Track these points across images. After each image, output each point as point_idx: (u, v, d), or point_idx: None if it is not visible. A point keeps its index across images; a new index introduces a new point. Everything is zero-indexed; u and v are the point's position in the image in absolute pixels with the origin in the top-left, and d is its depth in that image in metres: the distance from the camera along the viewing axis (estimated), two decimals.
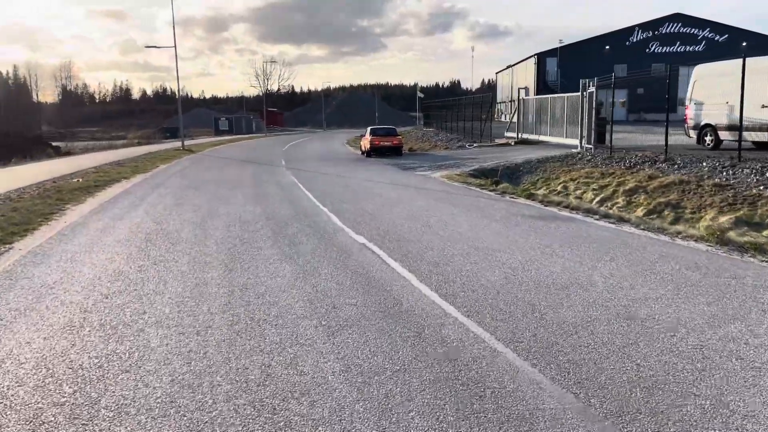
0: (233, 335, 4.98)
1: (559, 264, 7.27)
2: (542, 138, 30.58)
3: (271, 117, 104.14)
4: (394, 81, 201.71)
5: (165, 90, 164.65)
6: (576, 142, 25.63)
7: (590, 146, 23.39)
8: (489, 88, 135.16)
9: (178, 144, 41.39)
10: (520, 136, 33.51)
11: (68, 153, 42.26)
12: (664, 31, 62.71)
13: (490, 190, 15.60)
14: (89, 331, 5.10)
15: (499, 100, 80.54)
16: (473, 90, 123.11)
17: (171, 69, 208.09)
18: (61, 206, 12.61)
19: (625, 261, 7.41)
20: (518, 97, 34.39)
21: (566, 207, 12.49)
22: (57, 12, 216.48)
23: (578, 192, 17.99)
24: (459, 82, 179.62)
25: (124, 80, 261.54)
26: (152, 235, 9.39)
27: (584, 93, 24.11)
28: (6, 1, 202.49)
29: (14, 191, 14.82)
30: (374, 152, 29.55)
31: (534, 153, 25.93)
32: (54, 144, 50.10)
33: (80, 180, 17.14)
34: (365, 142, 30.80)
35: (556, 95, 28.82)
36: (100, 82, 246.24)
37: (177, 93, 43.34)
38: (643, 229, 9.90)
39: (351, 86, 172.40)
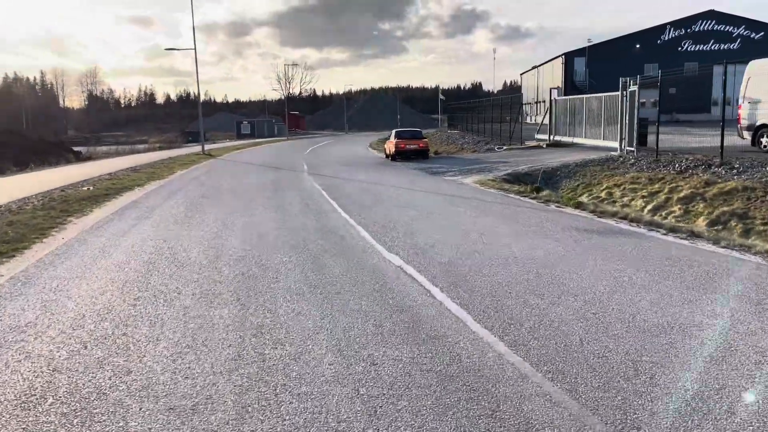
0: (240, 412, 3.69)
1: (646, 298, 5.88)
2: (576, 140, 29.04)
3: (293, 120, 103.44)
4: (415, 84, 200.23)
5: (189, 94, 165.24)
6: (615, 144, 24.08)
7: (632, 149, 21.85)
8: (511, 90, 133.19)
9: (199, 148, 40.47)
10: (552, 138, 31.97)
11: (89, 158, 41.66)
12: (697, 29, 60.56)
13: (532, 198, 14.19)
14: (50, 405, 3.83)
15: (523, 101, 78.80)
16: (495, 92, 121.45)
17: (194, 73, 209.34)
18: (63, 219, 11.48)
19: (734, 295, 6.01)
20: (550, 97, 32.84)
21: (623, 218, 11.04)
22: (85, 18, 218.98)
23: (625, 199, 16.50)
24: (480, 84, 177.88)
25: (149, 85, 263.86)
26: (156, 256, 8.18)
27: (624, 92, 22.57)
28: (35, 9, 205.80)
29: (18, 201, 13.77)
30: (399, 156, 28.29)
31: (570, 156, 24.45)
32: (75, 149, 49.67)
33: (90, 188, 16.09)
34: (390, 146, 29.55)
35: (592, 95, 27.26)
36: (126, 87, 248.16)
37: (198, 96, 42.57)
38: (724, 247, 8.44)
39: (372, 89, 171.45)
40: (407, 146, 28.41)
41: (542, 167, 22.17)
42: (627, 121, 22.29)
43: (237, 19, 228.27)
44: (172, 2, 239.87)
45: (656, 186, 16.77)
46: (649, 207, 15.03)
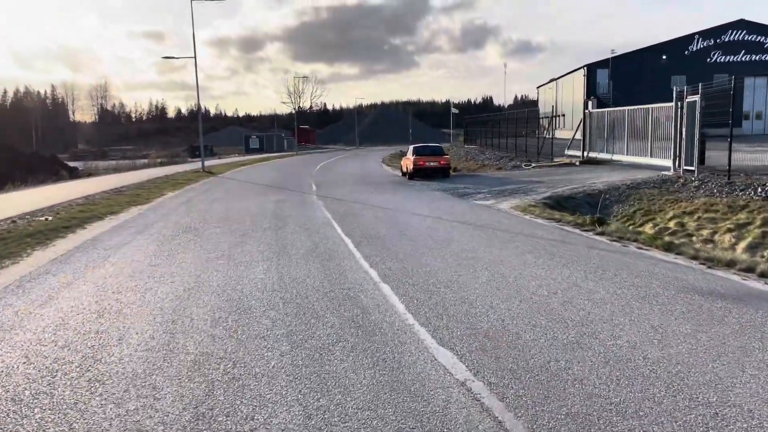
0: None
1: None
2: (615, 157, 26.03)
3: (303, 134, 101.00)
4: (425, 98, 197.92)
5: (199, 108, 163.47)
6: (666, 162, 21.07)
7: (691, 168, 18.81)
8: (523, 104, 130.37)
9: (203, 164, 37.60)
10: (585, 154, 28.99)
11: (89, 174, 39.01)
12: (726, 39, 57.53)
13: (598, 234, 11.19)
14: None
15: (540, 115, 75.58)
16: (506, 106, 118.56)
17: (206, 88, 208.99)
18: None
19: None
20: (583, 110, 29.88)
21: (746, 270, 8.01)
22: (99, 33, 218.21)
23: (705, 232, 13.43)
24: (491, 98, 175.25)
25: (160, 99, 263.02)
26: (76, 343, 5.27)
27: (680, 103, 19.57)
28: (50, 24, 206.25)
29: None
30: (418, 174, 25.38)
31: (612, 175, 21.45)
32: (73, 165, 47.12)
33: (49, 218, 13.22)
34: (407, 163, 26.65)
35: (636, 107, 24.25)
36: (137, 101, 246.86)
37: (198, 107, 39.77)
38: None
39: (383, 103, 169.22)
40: (427, 164, 25.52)
41: (585, 189, 19.18)
42: (685, 137, 19.27)
43: (249, 34, 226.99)
44: (183, 17, 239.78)
45: (742, 216, 13.70)
46: (743, 244, 11.97)
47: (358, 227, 12.05)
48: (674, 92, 19.92)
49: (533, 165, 29.20)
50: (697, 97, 18.43)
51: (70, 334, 5.63)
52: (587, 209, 17.69)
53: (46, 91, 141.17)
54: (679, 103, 19.62)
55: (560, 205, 17.41)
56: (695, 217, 14.49)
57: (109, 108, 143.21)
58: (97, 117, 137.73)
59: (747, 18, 57.84)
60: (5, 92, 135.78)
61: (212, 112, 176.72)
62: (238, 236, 11.19)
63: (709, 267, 8.32)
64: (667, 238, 10.75)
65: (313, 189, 21.88)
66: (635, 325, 5.69)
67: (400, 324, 5.80)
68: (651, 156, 22.61)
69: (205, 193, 20.96)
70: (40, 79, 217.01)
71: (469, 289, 7.10)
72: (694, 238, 13.10)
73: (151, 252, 9.72)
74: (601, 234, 11.27)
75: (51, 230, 11.71)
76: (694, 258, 8.89)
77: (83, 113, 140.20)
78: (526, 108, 56.99)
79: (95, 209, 15.19)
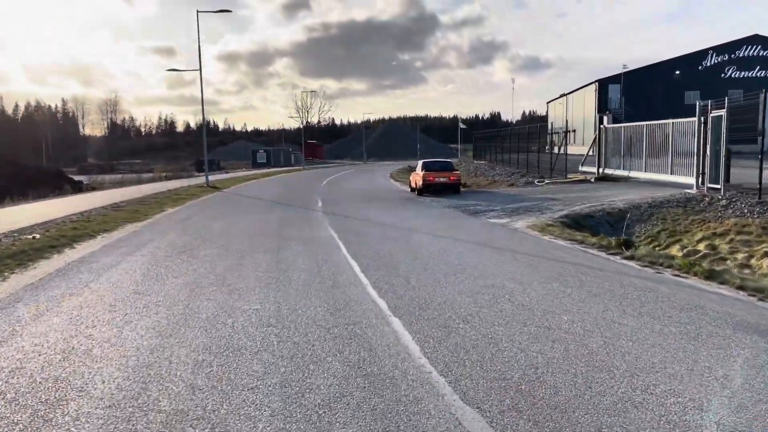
0: None
1: None
2: (633, 174, 25.10)
3: (311, 149, 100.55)
4: (433, 113, 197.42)
5: (208, 123, 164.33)
6: (688, 180, 20.14)
7: (716, 186, 17.86)
8: (531, 120, 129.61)
9: (209, 177, 36.83)
10: (601, 171, 28.07)
11: (93, 188, 38.38)
12: (741, 54, 56.69)
13: (626, 258, 10.27)
14: None
15: (549, 130, 74.70)
16: (514, 122, 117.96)
17: (214, 102, 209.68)
18: None
19: None
20: (598, 125, 29.03)
21: None
22: (111, 49, 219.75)
23: (740, 256, 12.45)
24: (499, 114, 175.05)
25: (170, 113, 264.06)
26: (27, 396, 4.42)
27: (703, 117, 18.67)
28: (64, 40, 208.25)
29: None
30: (427, 190, 24.55)
31: (630, 193, 20.51)
32: (78, 179, 46.58)
33: (36, 236, 12.39)
34: (416, 178, 25.83)
35: (655, 122, 23.36)
36: (146, 115, 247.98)
37: (203, 120, 38.99)
38: None
39: (390, 118, 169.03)
40: (437, 179, 24.68)
41: (604, 207, 18.25)
42: (709, 153, 18.34)
43: (259, 50, 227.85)
44: (194, 33, 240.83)
45: None
46: None
47: (366, 248, 11.17)
48: (697, 107, 19.02)
49: (546, 181, 28.29)
50: (722, 112, 17.53)
51: (23, 383, 4.75)
52: (607, 229, 16.77)
53: (56, 105, 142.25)
54: (702, 118, 18.72)
55: (578, 224, 16.50)
56: (727, 239, 13.52)
57: (119, 122, 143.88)
58: (107, 131, 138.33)
59: (762, 33, 57.00)
60: (16, 106, 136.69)
61: (221, 126, 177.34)
62: (236, 258, 10.32)
63: (760, 299, 7.39)
64: (705, 265, 9.79)
65: (319, 205, 21.04)
66: (695, 375, 4.77)
67: (415, 372, 4.89)
68: (671, 173, 21.69)
69: (206, 210, 20.15)
70: (52, 94, 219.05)
71: (492, 324, 6.20)
72: (728, 263, 12.15)
73: (139, 276, 8.86)
74: (630, 258, 10.35)
75: (36, 250, 10.88)
76: (741, 288, 7.95)
77: (93, 127, 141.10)
78: (534, 123, 56.17)
79: (89, 226, 14.35)
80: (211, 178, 37.39)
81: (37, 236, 12.31)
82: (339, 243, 11.89)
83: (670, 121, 21.71)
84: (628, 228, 16.15)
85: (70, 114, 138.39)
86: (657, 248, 14.01)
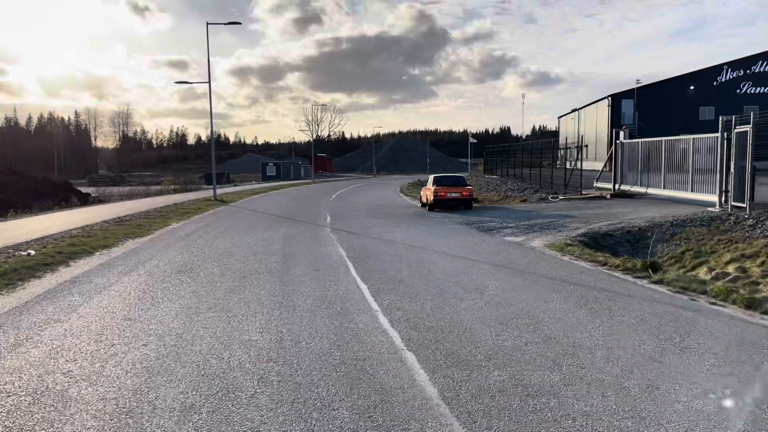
0: None
1: None
2: (651, 191, 24.33)
3: (320, 163, 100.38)
4: (443, 127, 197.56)
5: (219, 136, 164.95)
6: (710, 198, 19.36)
7: (741, 205, 17.10)
8: (541, 135, 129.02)
9: (218, 190, 36.36)
10: (617, 187, 27.32)
11: (100, 201, 38.01)
12: (757, 70, 55.79)
13: (655, 283, 9.58)
14: None
15: (560, 145, 73.94)
16: (524, 137, 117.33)
17: (226, 116, 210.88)
18: None
19: None
20: (614, 140, 28.34)
21: None
22: (124, 63, 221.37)
23: None
24: (509, 128, 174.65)
25: (181, 126, 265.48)
26: None
27: (726, 133, 17.97)
28: (78, 53, 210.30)
29: None
30: (439, 205, 23.93)
31: (649, 210, 19.79)
32: (85, 191, 46.28)
33: (31, 252, 11.84)
34: (428, 193, 25.20)
35: (675, 137, 22.64)
36: (158, 128, 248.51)
37: (210, 132, 38.53)
38: None
39: (400, 132, 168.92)
40: (449, 195, 24.05)
41: (623, 226, 17.53)
42: (734, 170, 17.60)
43: (270, 64, 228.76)
44: (206, 46, 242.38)
45: None
46: None
47: (376, 269, 10.53)
48: (720, 122, 18.31)
49: (561, 198, 27.59)
50: (748, 127, 16.81)
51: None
52: (627, 248, 16.06)
53: (69, 118, 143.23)
54: (725, 134, 18.01)
55: (597, 243, 15.83)
56: (758, 261, 12.76)
57: (130, 134, 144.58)
58: (118, 143, 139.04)
59: None
60: (30, 118, 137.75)
61: (231, 139, 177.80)
62: (238, 279, 9.70)
63: None
64: (743, 291, 9.07)
65: (328, 221, 20.44)
66: None
67: (434, 424, 4.23)
68: (692, 190, 20.93)
69: (211, 225, 19.57)
70: (65, 106, 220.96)
71: (518, 362, 5.54)
72: (761, 287, 11.41)
73: (133, 300, 8.25)
74: (659, 282, 9.66)
75: (28, 268, 10.31)
76: None
77: (105, 139, 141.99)
78: (544, 138, 55.51)
79: (88, 242, 13.80)
80: (219, 191, 36.94)
81: (32, 252, 11.76)
82: (348, 263, 11.27)
83: (690, 136, 20.99)
84: (646, 248, 15.44)
85: (83, 126, 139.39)
86: (682, 270, 13.29)
